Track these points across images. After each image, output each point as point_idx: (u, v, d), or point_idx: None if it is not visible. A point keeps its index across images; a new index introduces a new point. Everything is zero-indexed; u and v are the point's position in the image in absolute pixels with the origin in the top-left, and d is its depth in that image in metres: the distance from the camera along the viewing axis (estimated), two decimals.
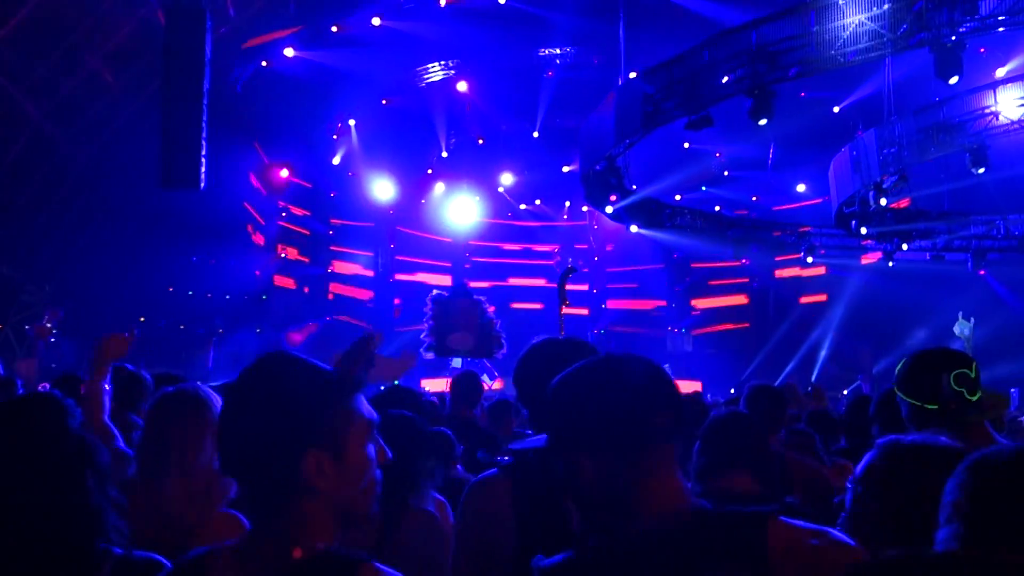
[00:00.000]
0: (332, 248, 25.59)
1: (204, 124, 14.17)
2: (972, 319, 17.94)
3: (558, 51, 21.92)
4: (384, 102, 22.96)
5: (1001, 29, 12.71)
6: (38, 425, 1.89)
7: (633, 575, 1.54)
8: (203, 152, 14.13)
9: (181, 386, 2.68)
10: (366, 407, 1.63)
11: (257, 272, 23.61)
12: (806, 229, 21.11)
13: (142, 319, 20.43)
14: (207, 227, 20.17)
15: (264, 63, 20.32)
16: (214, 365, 21.61)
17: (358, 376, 1.61)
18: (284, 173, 23.01)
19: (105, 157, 19.06)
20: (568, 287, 12.81)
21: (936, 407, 2.79)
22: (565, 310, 12.30)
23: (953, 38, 12.01)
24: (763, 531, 1.53)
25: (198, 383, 2.75)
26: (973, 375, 2.80)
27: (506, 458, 2.48)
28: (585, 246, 27.95)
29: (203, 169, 14.14)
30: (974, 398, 2.77)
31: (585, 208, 22.18)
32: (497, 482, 2.34)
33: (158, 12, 15.72)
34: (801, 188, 24.84)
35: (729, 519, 1.57)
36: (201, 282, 22.89)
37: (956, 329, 18.17)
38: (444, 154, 24.80)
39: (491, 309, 16.54)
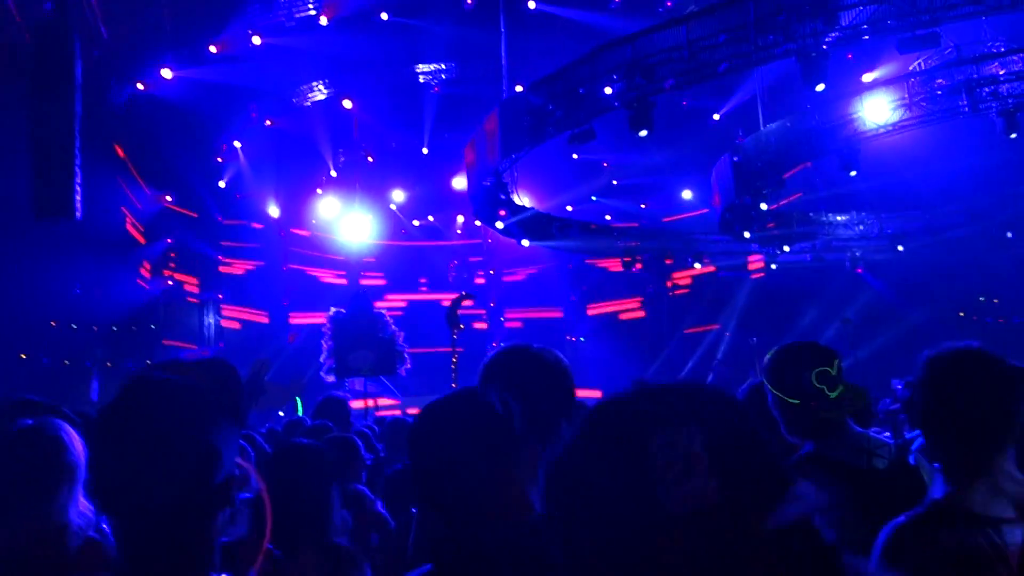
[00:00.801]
0: (221, 270, 24.94)
1: (77, 151, 13.59)
2: (853, 320, 18.75)
3: (443, 66, 22.01)
4: (268, 123, 22.56)
5: (865, 38, 13.38)
6: None
7: None
8: (77, 180, 13.55)
9: (40, 421, 2.48)
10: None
11: (145, 299, 22.82)
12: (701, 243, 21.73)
13: (23, 355, 19.49)
14: (90, 255, 19.40)
15: (141, 86, 19.71)
16: (100, 399, 20.75)
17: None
18: (168, 198, 22.34)
19: None
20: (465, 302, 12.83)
21: (797, 402, 2.89)
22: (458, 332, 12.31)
23: (822, 47, 12.57)
24: None
25: (57, 422, 2.57)
26: (834, 372, 2.91)
27: None
28: (480, 258, 28.02)
29: (78, 197, 13.56)
30: (834, 394, 2.88)
31: (478, 223, 22.27)
32: None
33: (25, 35, 15.08)
34: (687, 195, 25.49)
35: None
36: (85, 313, 21.98)
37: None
38: (333, 173, 24.52)
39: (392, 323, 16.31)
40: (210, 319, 24.30)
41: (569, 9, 20.52)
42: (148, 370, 1.63)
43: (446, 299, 26.16)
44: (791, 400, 2.90)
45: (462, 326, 13.94)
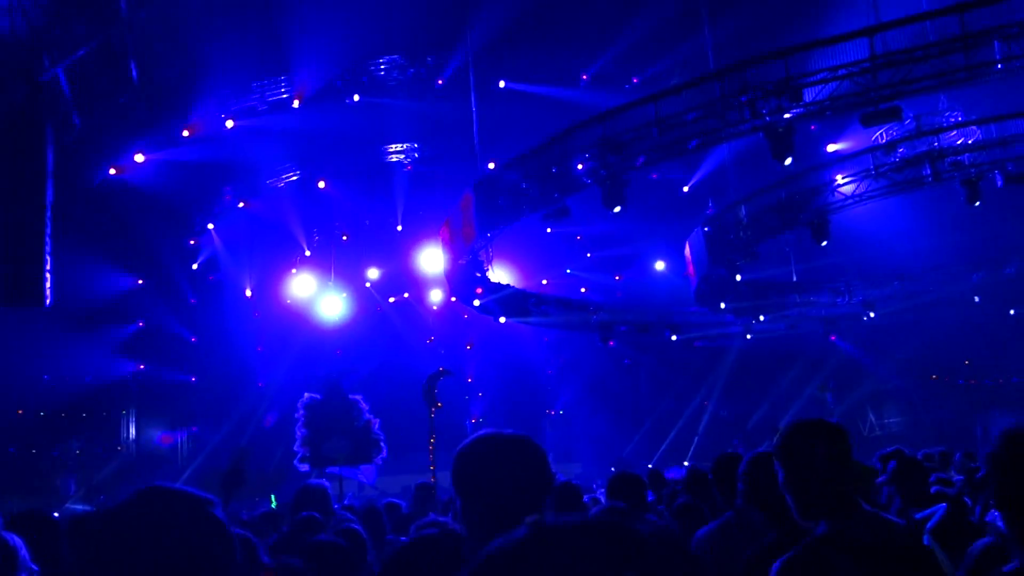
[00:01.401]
0: (194, 356, 24.64)
1: (48, 237, 13.49)
2: (830, 387, 18.83)
3: (415, 144, 22.28)
4: (241, 204, 22.59)
5: (829, 113, 13.71)
6: None
7: None
8: (48, 267, 13.42)
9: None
10: None
11: (117, 385, 22.47)
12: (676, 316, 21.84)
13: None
14: (60, 340, 19.15)
15: (114, 170, 19.70)
16: (75, 490, 20.28)
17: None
18: (140, 282, 22.18)
19: None
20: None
21: (809, 478, 2.85)
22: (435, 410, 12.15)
23: (787, 123, 12.84)
24: None
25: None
26: (845, 447, 2.88)
27: None
28: (456, 333, 27.95)
29: (48, 284, 13.40)
30: (845, 470, 2.85)
31: (453, 299, 22.26)
32: None
33: None
34: (660, 266, 25.71)
35: None
36: (53, 401, 21.58)
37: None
38: (307, 252, 24.50)
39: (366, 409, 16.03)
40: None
41: (539, 86, 20.92)
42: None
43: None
44: (804, 479, 2.87)
45: (439, 404, 13.79)
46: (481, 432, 2.31)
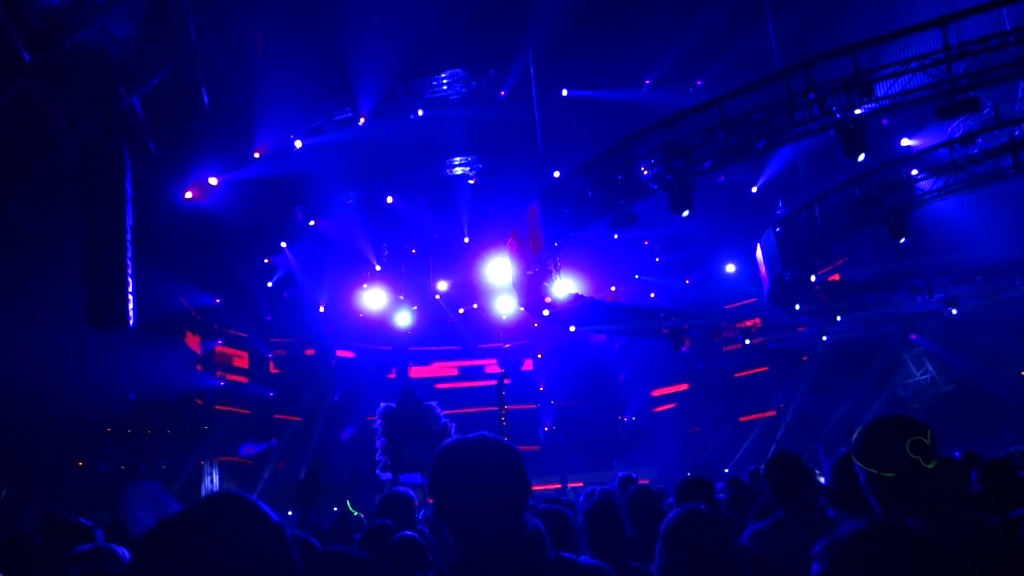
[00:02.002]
0: (272, 371, 25.18)
1: (129, 261, 13.91)
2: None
3: (478, 156, 22.40)
4: (312, 223, 23.00)
5: (902, 108, 13.31)
6: None
7: None
8: (130, 289, 13.83)
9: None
10: None
11: (199, 401, 23.05)
12: (748, 319, 21.46)
13: (80, 463, 19.71)
14: (143, 357, 19.74)
15: (189, 194, 20.26)
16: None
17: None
18: (217, 301, 22.75)
19: (32, 303, 18.60)
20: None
21: (893, 475, 2.73)
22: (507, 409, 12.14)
23: (858, 119, 12.52)
24: None
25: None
26: (928, 442, 2.75)
27: None
28: (526, 342, 27.95)
29: (131, 307, 13.80)
30: (930, 466, 2.72)
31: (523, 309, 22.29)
32: None
33: (78, 154, 15.60)
34: (731, 268, 25.33)
35: None
36: (139, 417, 22.24)
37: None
38: (377, 267, 24.81)
39: (443, 413, 16.12)
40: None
41: (601, 91, 20.84)
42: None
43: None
44: (886, 474, 2.75)
45: (507, 407, 13.71)
46: (453, 439, 2.27)
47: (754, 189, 22.56)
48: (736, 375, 26.00)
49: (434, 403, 16.29)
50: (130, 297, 13.62)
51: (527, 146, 19.80)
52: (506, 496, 2.16)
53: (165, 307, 19.35)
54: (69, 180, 16.18)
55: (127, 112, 16.26)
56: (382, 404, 16.58)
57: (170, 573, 1.44)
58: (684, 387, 27.08)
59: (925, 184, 15.56)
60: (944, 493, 2.76)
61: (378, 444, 15.58)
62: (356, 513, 15.66)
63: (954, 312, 19.12)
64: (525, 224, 16.19)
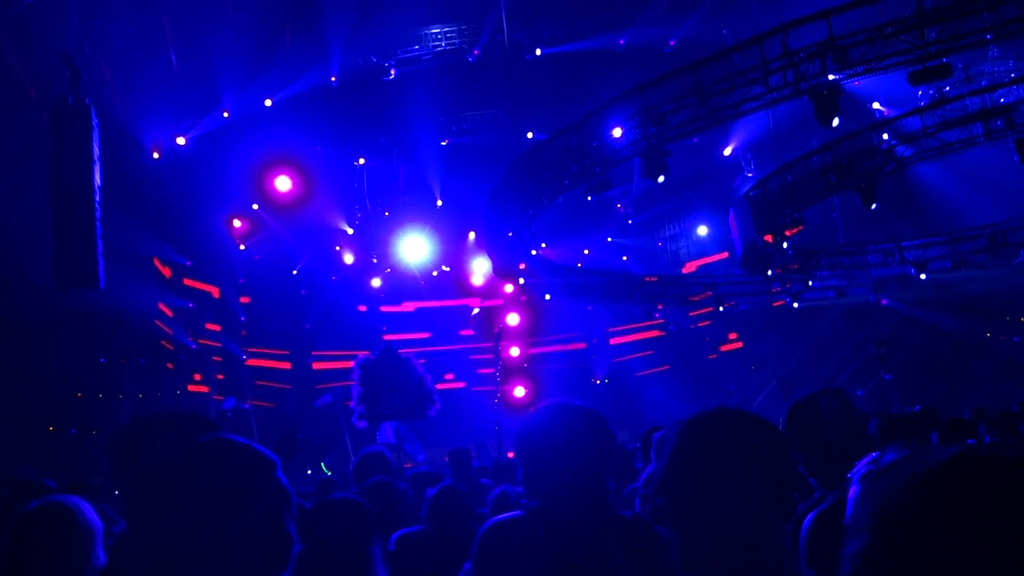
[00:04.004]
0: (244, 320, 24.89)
1: (98, 222, 13.70)
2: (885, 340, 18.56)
3: (452, 117, 22.21)
4: (288, 185, 22.73)
5: (874, 72, 13.32)
6: None
7: None
8: (99, 251, 13.65)
9: (46, 500, 2.48)
10: None
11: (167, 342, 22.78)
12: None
13: (51, 428, 19.62)
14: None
15: (156, 154, 19.97)
16: None
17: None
18: (188, 263, 22.49)
19: None
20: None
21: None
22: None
23: (832, 85, 12.52)
24: None
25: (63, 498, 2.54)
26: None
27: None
28: (500, 302, 27.89)
29: (100, 267, 13.63)
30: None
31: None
32: (521, 524, 2.38)
33: (42, 113, 15.28)
34: (703, 231, 25.43)
35: None
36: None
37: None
38: (349, 231, 24.64)
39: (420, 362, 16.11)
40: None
41: (575, 44, 20.62)
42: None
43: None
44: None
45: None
46: (544, 404, 2.47)
47: (727, 151, 22.61)
48: (710, 337, 26.26)
49: (410, 355, 16.26)
50: (100, 259, 13.47)
51: (500, 107, 19.64)
52: (585, 458, 2.34)
53: (136, 267, 19.10)
54: (32, 139, 15.88)
55: (91, 69, 15.89)
56: (360, 355, 16.52)
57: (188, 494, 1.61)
58: (659, 333, 27.01)
59: (895, 151, 15.66)
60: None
61: (354, 393, 15.50)
62: (328, 472, 15.70)
63: (923, 276, 19.34)
64: (499, 191, 16.10)
